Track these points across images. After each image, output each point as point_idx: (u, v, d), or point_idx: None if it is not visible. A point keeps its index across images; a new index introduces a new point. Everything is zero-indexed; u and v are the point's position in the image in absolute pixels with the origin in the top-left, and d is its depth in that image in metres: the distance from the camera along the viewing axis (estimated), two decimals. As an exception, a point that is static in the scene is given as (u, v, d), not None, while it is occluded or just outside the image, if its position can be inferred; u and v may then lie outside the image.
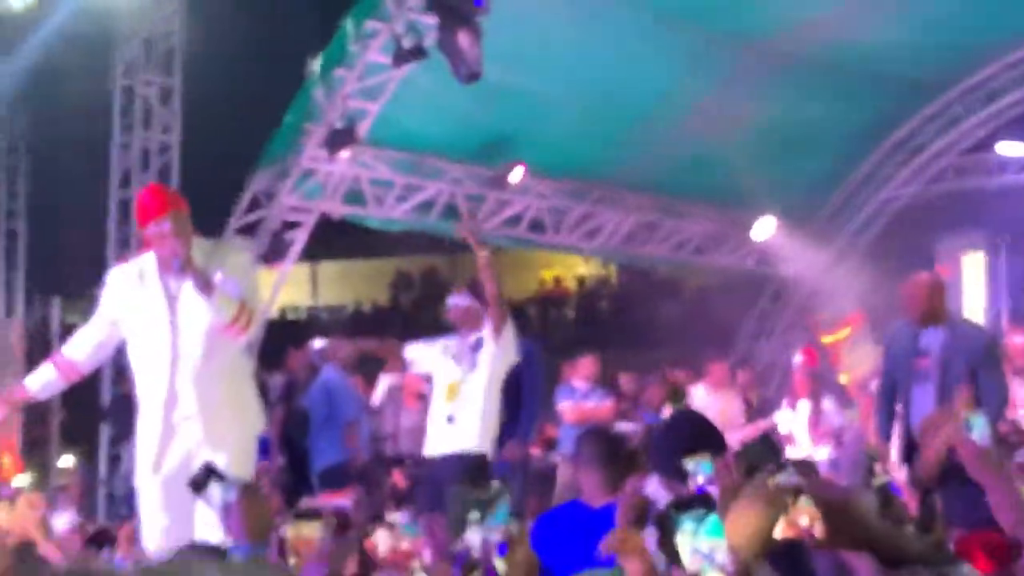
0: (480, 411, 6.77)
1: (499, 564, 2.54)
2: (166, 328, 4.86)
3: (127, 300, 4.93)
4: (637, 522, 3.53)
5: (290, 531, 3.38)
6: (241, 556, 3.23)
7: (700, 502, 2.66)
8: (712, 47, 10.71)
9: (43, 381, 5.00)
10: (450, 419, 6.80)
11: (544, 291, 22.91)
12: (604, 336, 16.50)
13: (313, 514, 3.48)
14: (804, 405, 10.57)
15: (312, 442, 8.79)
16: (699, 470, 3.60)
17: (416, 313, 21.31)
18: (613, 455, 4.71)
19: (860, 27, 10.45)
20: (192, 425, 4.87)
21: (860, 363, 12.12)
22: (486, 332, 6.78)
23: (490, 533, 2.54)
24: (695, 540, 2.58)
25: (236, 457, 4.82)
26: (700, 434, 4.69)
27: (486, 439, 6.81)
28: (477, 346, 6.86)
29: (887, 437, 7.15)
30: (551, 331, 19.31)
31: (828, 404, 10.63)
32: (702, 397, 10.10)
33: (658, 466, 4.47)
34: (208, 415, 4.87)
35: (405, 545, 3.52)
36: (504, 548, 2.44)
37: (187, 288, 4.79)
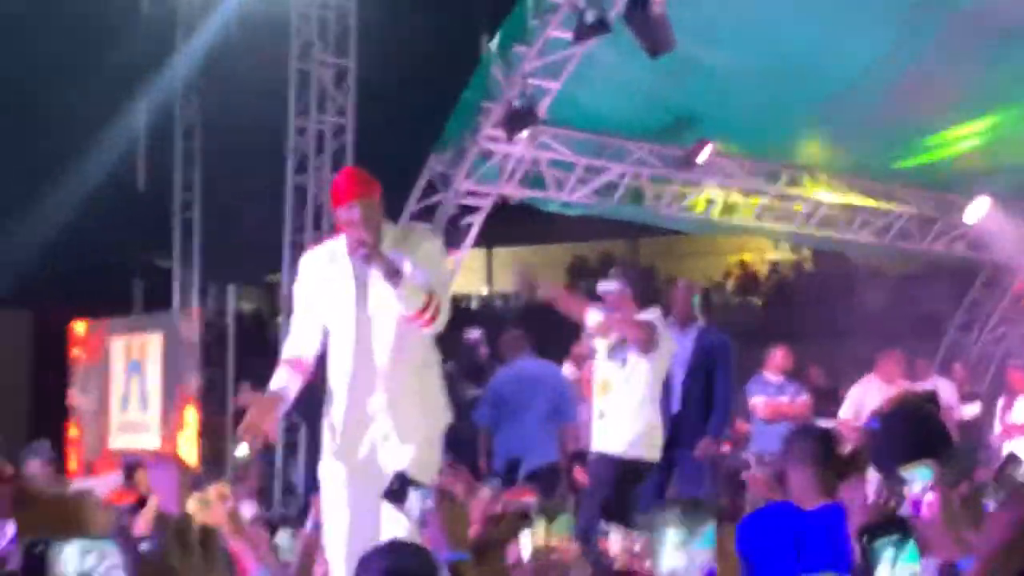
0: (629, 412, 6.84)
1: None
2: (352, 313, 4.90)
3: (318, 283, 4.98)
4: None
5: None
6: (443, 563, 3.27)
7: (896, 526, 2.60)
8: (922, 14, 10.34)
9: (283, 384, 4.94)
10: (601, 415, 6.88)
11: (733, 276, 22.64)
12: (797, 325, 16.23)
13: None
14: (1022, 402, 10.23)
15: (521, 436, 8.74)
16: (915, 478, 3.50)
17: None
18: (827, 455, 4.63)
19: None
20: (380, 416, 4.90)
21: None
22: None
23: (696, 557, 2.51)
24: (894, 570, 2.55)
25: (423, 451, 4.85)
26: (920, 437, 4.53)
27: (637, 441, 6.87)
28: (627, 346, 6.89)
29: None
30: (740, 318, 19.09)
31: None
32: (874, 392, 9.85)
33: (880, 468, 4.34)
34: (396, 407, 4.89)
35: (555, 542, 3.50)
36: (712, 572, 2.41)
37: (376, 274, 4.80)
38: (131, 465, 8.00)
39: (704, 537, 2.72)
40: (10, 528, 2.51)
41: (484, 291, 24.64)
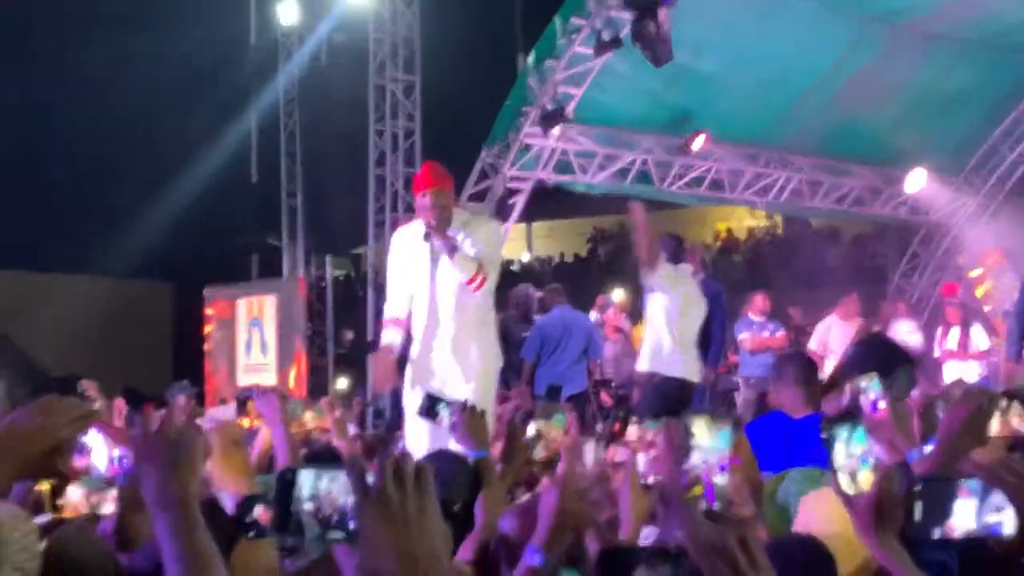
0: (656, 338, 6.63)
1: (719, 479, 2.47)
2: (427, 280, 5.00)
3: (404, 256, 5.09)
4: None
5: (540, 425, 3.45)
6: (470, 458, 3.32)
7: (847, 417, 2.62)
8: (869, 26, 10.25)
9: (392, 340, 5.05)
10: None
11: (719, 240, 22.53)
12: (771, 279, 16.14)
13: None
14: (955, 332, 10.16)
15: (560, 369, 8.75)
16: (868, 388, 3.53)
17: (610, 263, 21.25)
18: (811, 375, 4.61)
19: (1003, 5, 9.85)
20: (447, 358, 5.01)
21: (1001, 294, 11.59)
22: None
23: (712, 455, 2.49)
24: (848, 447, 2.50)
25: (481, 387, 4.98)
26: (874, 356, 4.54)
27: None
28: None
29: (1017, 357, 6.83)
30: (725, 274, 18.99)
31: (976, 329, 10.18)
32: (835, 328, 9.79)
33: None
34: (458, 351, 5.00)
35: (554, 433, 3.49)
36: (725, 466, 2.37)
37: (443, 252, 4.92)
38: (243, 398, 8.03)
39: (721, 437, 2.71)
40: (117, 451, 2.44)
41: (525, 257, 24.64)
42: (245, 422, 6.07)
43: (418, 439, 4.89)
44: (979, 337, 10.07)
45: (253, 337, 13.50)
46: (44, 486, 2.94)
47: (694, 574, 1.54)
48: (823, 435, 2.63)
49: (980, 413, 2.54)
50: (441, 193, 4.88)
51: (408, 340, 5.13)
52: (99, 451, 2.44)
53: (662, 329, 6.69)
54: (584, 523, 2.21)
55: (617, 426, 4.67)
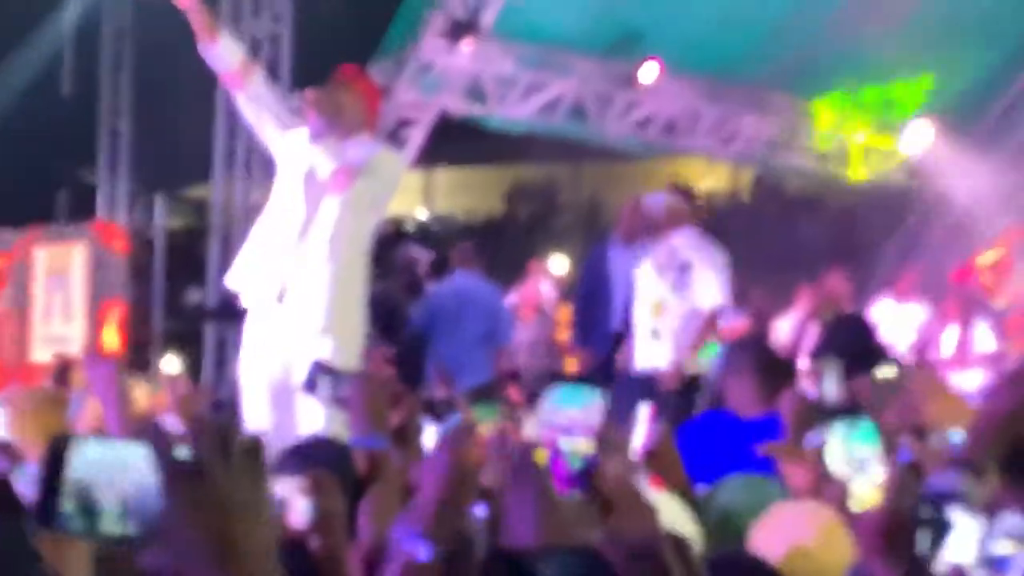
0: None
1: (567, 444, 2.56)
2: (297, 175, 5.06)
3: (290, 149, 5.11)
4: (803, 429, 3.48)
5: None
6: (364, 448, 3.22)
7: (849, 410, 2.66)
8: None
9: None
10: (655, 334, 6.91)
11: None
12: (733, 255, 16.29)
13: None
14: (952, 331, 10.30)
15: (455, 353, 8.71)
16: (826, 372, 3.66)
17: (533, 225, 21.27)
18: (768, 367, 4.69)
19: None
20: (305, 310, 4.95)
21: (1020, 284, 11.80)
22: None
23: (558, 416, 2.56)
24: (846, 446, 2.55)
25: (344, 344, 4.90)
26: (859, 342, 4.63)
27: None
28: (686, 267, 6.97)
29: None
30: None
31: (982, 328, 10.33)
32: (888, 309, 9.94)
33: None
34: (322, 301, 4.95)
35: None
36: (572, 430, 2.44)
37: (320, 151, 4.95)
38: (63, 366, 7.85)
39: (570, 397, 2.78)
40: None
41: (422, 214, 24.51)
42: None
43: (259, 421, 4.86)
44: (984, 338, 10.22)
45: (54, 299, 13.14)
46: None
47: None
48: (817, 434, 2.65)
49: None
50: (351, 87, 5.09)
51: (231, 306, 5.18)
52: None
53: None
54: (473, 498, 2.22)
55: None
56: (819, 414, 3.22)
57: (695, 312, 7.04)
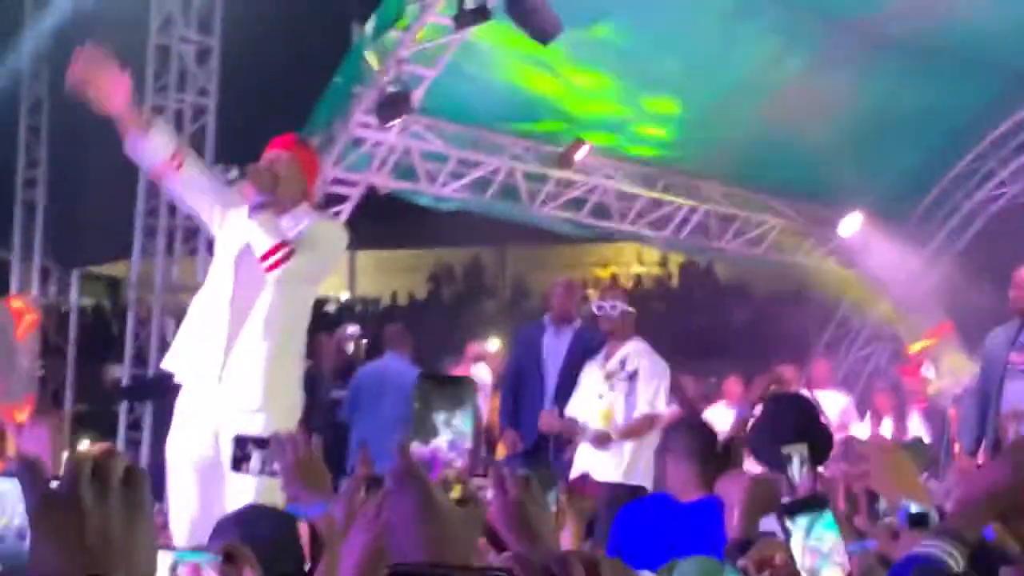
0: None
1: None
2: (230, 252, 4.94)
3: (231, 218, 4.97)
4: (759, 512, 3.47)
5: None
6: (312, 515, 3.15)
7: (810, 503, 2.66)
8: (799, 25, 10.50)
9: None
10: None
11: (598, 289, 22.83)
12: (659, 341, 16.35)
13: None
14: (886, 423, 10.35)
15: (378, 439, 8.62)
16: (797, 459, 3.63)
17: (456, 308, 21.25)
18: (707, 449, 4.66)
19: (969, 7, 10.21)
20: (232, 382, 4.85)
21: (949, 375, 11.94)
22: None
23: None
24: (809, 539, 2.56)
25: (279, 423, 4.77)
26: (808, 421, 4.63)
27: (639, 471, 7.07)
28: (634, 375, 7.11)
29: (973, 449, 6.99)
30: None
31: (915, 420, 10.40)
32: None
33: (759, 454, 4.42)
34: (248, 365, 4.86)
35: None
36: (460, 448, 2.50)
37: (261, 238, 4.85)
38: None
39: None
40: None
41: (344, 295, 24.42)
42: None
43: (186, 500, 4.76)
44: (918, 429, 10.28)
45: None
46: None
47: None
48: (781, 523, 2.63)
49: None
50: (289, 158, 4.98)
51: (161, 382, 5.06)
52: None
53: None
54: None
55: None
56: (784, 502, 3.21)
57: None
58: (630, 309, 7.38)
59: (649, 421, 7.19)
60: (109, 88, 4.65)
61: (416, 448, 2.48)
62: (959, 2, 10.17)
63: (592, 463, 7.00)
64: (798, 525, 2.58)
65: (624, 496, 6.41)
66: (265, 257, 4.78)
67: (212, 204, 4.98)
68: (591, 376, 7.35)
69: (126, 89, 4.72)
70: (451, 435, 2.53)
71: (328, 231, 5.18)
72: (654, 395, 7.20)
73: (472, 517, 2.05)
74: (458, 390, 2.54)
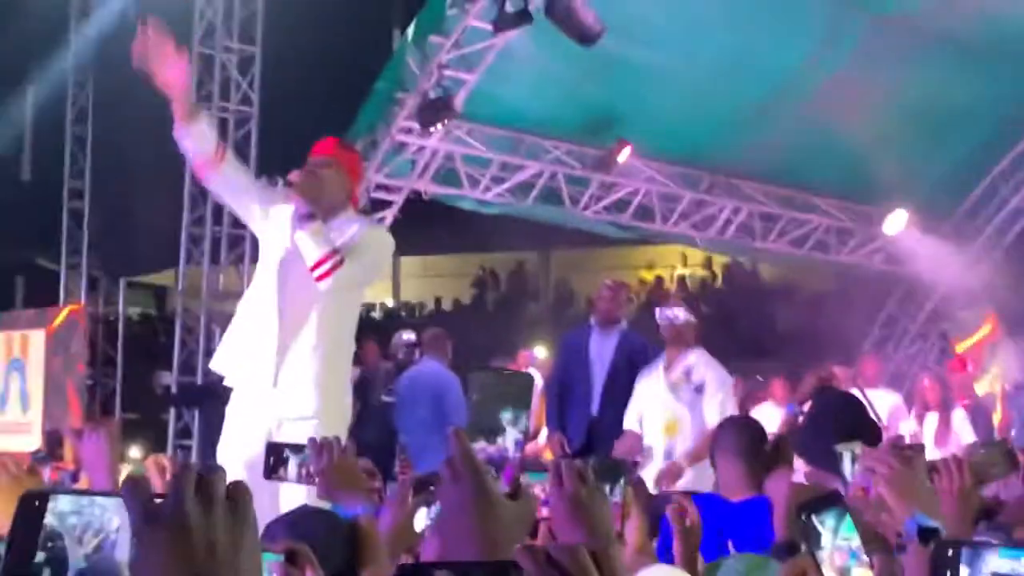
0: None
1: None
2: (275, 259, 4.97)
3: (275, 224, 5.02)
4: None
5: None
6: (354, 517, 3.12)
7: (833, 500, 2.66)
8: (847, 18, 10.50)
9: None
10: (668, 455, 6.98)
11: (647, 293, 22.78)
12: (705, 343, 16.32)
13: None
14: (932, 418, 10.30)
15: (416, 441, 8.70)
16: (847, 455, 3.62)
17: (501, 314, 21.27)
18: (756, 447, 4.68)
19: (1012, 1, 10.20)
20: (283, 385, 4.91)
21: (1000, 370, 11.89)
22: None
23: None
24: (835, 538, 2.57)
25: (330, 429, 4.81)
26: (857, 418, 4.64)
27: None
28: (700, 387, 7.01)
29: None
30: (650, 336, 19.13)
31: (959, 415, 10.34)
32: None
33: (808, 452, 4.43)
34: (296, 371, 4.91)
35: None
36: None
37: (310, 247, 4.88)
38: (54, 438, 7.82)
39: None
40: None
41: (390, 302, 24.50)
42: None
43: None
44: (962, 427, 10.21)
45: (11, 386, 13.00)
46: None
47: None
48: (802, 521, 2.65)
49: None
50: (333, 163, 5.00)
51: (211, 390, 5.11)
52: None
53: None
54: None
55: None
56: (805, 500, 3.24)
57: (705, 432, 7.06)
58: (693, 318, 7.30)
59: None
60: (168, 68, 4.69)
61: (482, 446, 2.49)
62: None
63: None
64: (825, 524, 2.62)
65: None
66: (316, 267, 4.81)
67: (251, 202, 5.04)
68: (653, 385, 7.24)
69: (184, 70, 4.76)
70: (517, 434, 2.55)
71: (375, 238, 5.18)
72: (720, 409, 7.05)
73: (523, 511, 2.03)
74: (522, 389, 2.54)
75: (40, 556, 1.47)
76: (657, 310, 7.47)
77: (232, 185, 5.06)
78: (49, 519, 1.48)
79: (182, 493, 1.35)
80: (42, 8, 13.76)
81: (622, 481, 3.02)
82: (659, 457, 7.09)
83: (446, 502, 2.02)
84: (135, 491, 1.37)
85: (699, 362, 7.16)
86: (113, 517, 1.48)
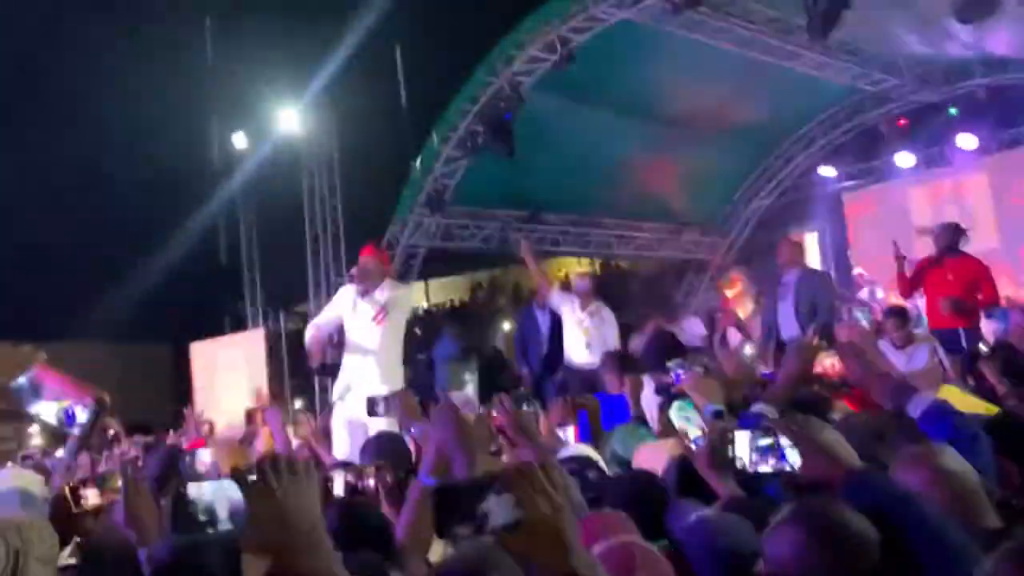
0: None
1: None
2: (350, 318, 4.94)
3: (342, 298, 5.04)
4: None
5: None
6: (414, 434, 2.96)
7: (675, 393, 2.61)
8: (649, 126, 10.51)
9: (309, 335, 4.97)
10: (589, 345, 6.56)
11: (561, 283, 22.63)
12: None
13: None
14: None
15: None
16: (676, 367, 3.53)
17: (484, 305, 21.10)
18: (622, 363, 4.70)
19: (737, 110, 10.28)
20: (363, 376, 4.87)
21: (746, 308, 11.94)
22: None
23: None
24: (679, 413, 2.51)
25: (394, 386, 4.81)
26: (673, 344, 4.64)
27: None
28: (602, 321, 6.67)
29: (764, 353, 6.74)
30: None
31: (731, 333, 10.31)
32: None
33: (650, 366, 4.42)
34: (370, 370, 4.87)
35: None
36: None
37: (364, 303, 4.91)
38: (250, 413, 7.68)
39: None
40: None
41: (424, 305, 24.27)
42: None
43: (342, 443, 4.71)
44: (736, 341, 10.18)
45: (231, 379, 12.82)
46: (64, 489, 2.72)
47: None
48: (662, 411, 2.59)
49: (806, 363, 2.54)
50: (370, 259, 4.98)
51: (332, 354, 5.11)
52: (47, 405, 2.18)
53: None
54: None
55: None
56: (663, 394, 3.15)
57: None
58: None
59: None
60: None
61: (454, 393, 2.45)
62: (735, 106, 10.19)
63: None
64: (673, 405, 2.54)
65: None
66: (374, 318, 4.86)
67: (333, 324, 5.02)
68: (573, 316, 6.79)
69: None
70: (472, 387, 2.56)
71: (404, 295, 5.12)
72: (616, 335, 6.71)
73: (481, 425, 2.07)
74: (471, 362, 2.56)
75: (203, 517, 1.41)
76: (576, 281, 7.30)
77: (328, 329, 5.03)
78: (205, 495, 1.42)
79: (267, 472, 1.30)
80: (218, 165, 13.50)
81: (524, 405, 2.88)
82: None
83: (439, 425, 1.93)
84: (238, 476, 1.33)
85: (600, 306, 6.87)
86: (237, 491, 1.39)
